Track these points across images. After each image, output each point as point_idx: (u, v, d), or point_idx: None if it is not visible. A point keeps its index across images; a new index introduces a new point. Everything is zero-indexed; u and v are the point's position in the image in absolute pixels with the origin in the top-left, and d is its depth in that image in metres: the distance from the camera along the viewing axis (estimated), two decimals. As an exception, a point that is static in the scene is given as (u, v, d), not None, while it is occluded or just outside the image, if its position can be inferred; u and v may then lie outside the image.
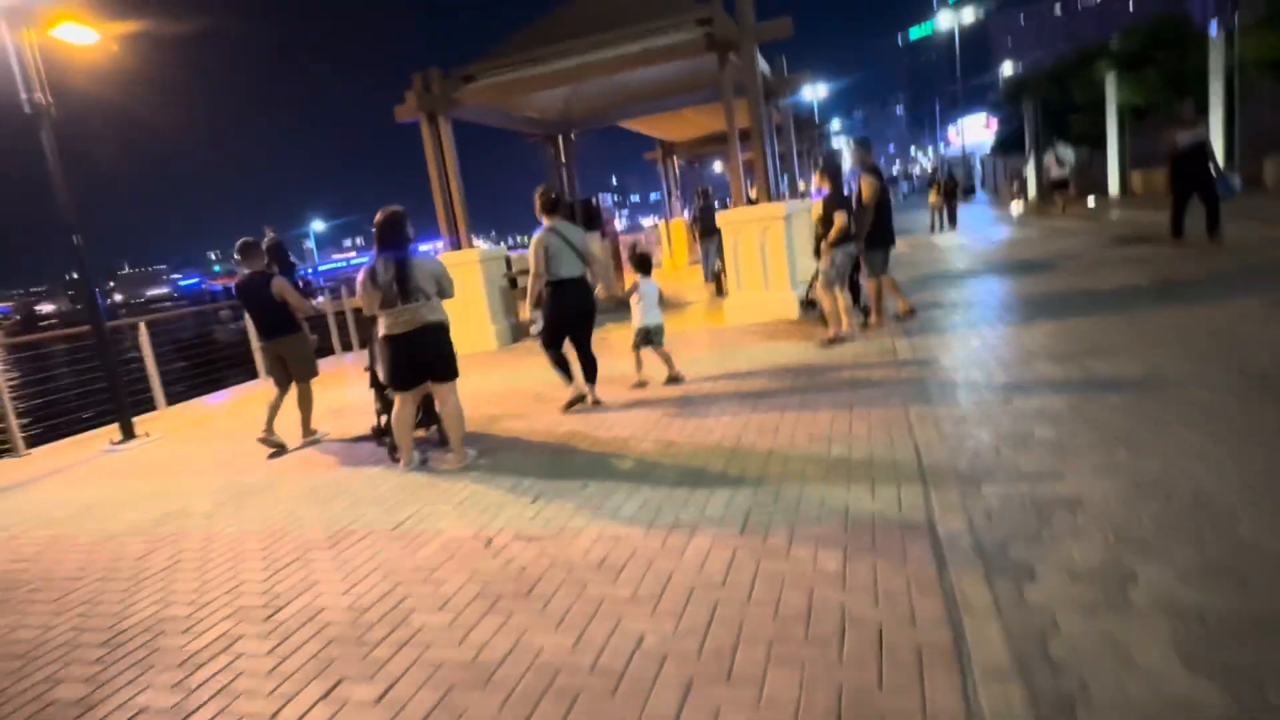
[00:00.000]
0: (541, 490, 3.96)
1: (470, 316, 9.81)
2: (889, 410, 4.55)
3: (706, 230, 14.24)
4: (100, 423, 8.19)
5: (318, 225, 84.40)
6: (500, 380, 7.46)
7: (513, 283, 9.92)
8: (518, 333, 10.06)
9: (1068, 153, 17.78)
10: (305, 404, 5.84)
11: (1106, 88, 19.83)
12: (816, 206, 6.68)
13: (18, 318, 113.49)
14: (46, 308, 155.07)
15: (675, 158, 21.34)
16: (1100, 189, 22.23)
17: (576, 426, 5.26)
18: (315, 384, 5.99)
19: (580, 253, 5.36)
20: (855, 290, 7.68)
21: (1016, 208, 20.15)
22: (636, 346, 6.13)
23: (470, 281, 9.70)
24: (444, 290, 4.55)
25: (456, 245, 9.93)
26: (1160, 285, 7.29)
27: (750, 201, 12.87)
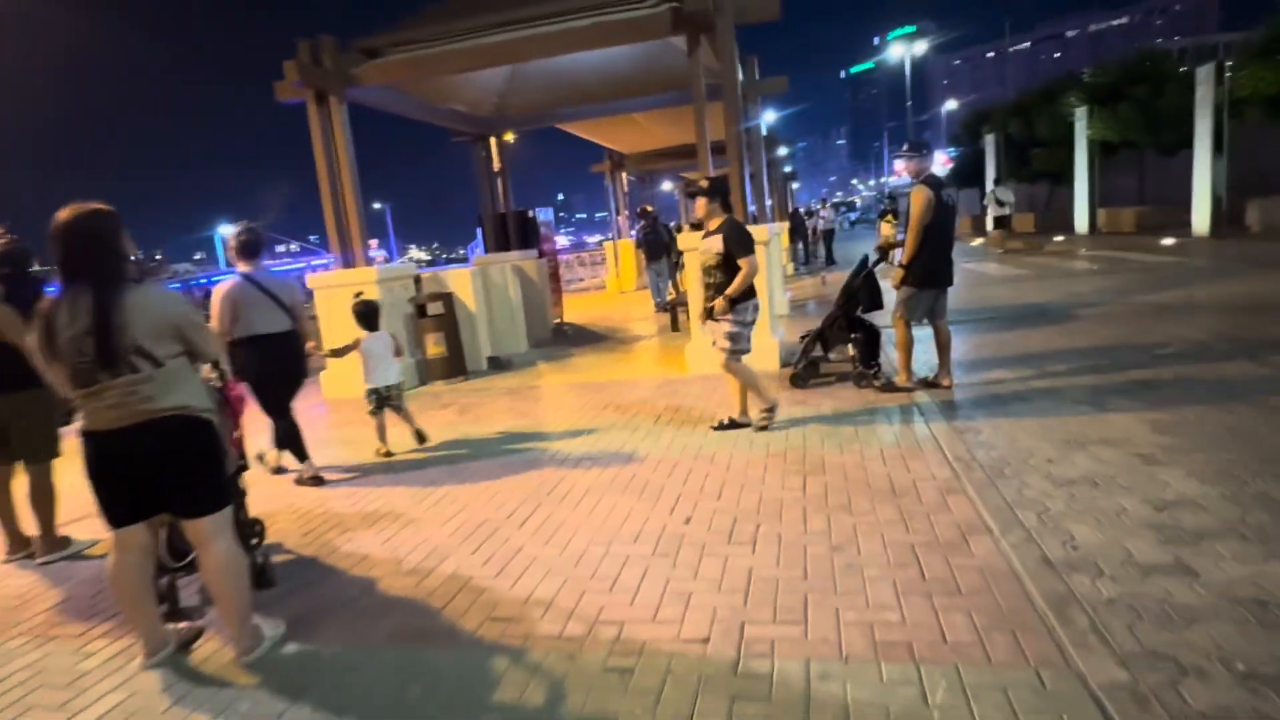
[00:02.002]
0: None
1: (364, 351, 7.71)
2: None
3: (653, 253, 12.48)
4: None
5: (225, 230, 77.43)
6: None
7: (421, 310, 7.91)
8: (425, 373, 8.03)
9: (1007, 193, 17.67)
10: (41, 498, 3.73)
11: (1076, 122, 19.09)
12: (715, 242, 4.64)
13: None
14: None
15: (625, 172, 19.62)
16: (1064, 227, 21.55)
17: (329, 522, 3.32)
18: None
19: (285, 305, 4.43)
20: (872, 341, 5.73)
21: (977, 241, 19.23)
22: (372, 412, 5.24)
23: (365, 306, 7.63)
24: (196, 349, 2.54)
25: (349, 261, 7.86)
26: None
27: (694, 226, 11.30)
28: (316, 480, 4.65)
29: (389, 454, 5.21)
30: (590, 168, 19.08)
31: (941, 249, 5.27)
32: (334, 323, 7.75)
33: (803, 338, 6.14)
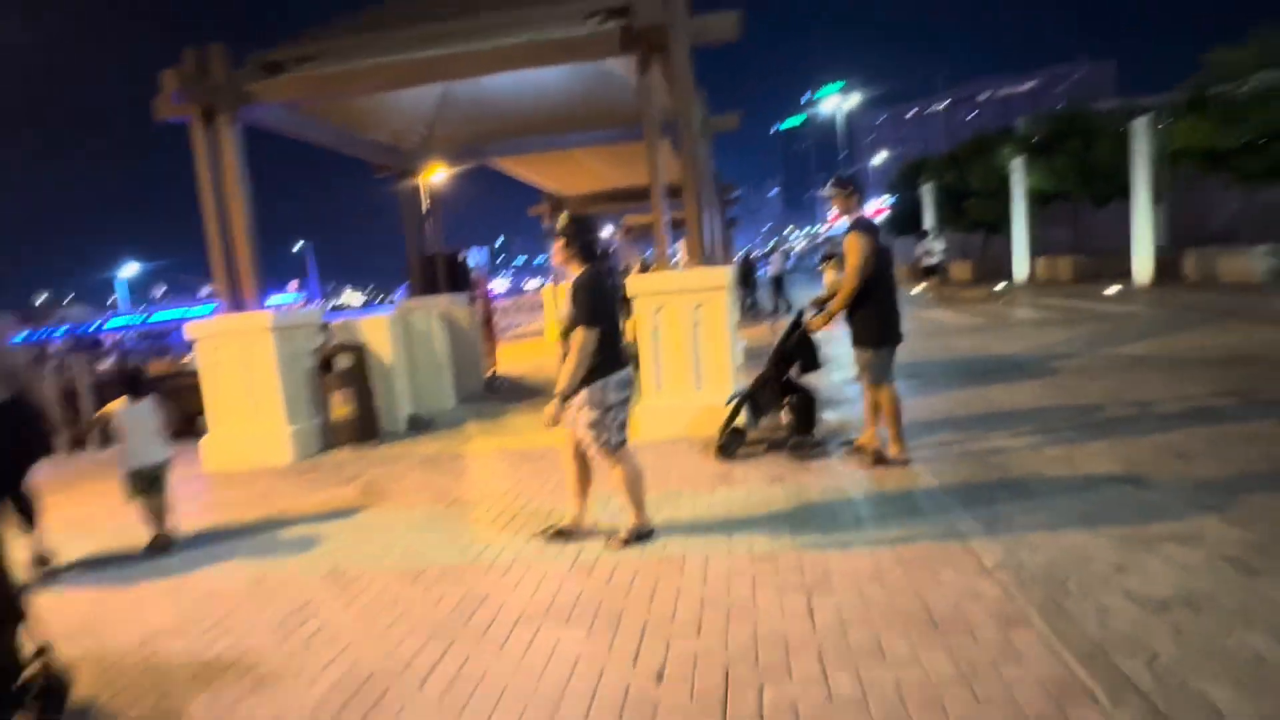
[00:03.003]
0: None
1: (255, 414, 6.50)
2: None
3: (605, 298, 11.59)
4: None
5: (130, 269, 71.00)
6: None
7: (326, 364, 6.74)
8: (330, 437, 6.82)
9: (938, 244, 18.39)
10: None
11: (1013, 173, 19.37)
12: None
13: None
14: None
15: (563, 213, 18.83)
16: (1000, 275, 21.78)
17: None
18: None
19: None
20: (808, 407, 5.10)
21: (919, 288, 19.16)
22: (131, 497, 4.37)
23: (257, 361, 6.45)
24: None
25: (238, 305, 6.66)
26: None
27: (644, 269, 10.46)
28: (48, 570, 4.06)
29: (165, 544, 4.30)
30: (528, 210, 18.23)
31: (891, 301, 4.59)
32: (220, 377, 6.52)
33: (729, 400, 5.32)
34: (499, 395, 9.25)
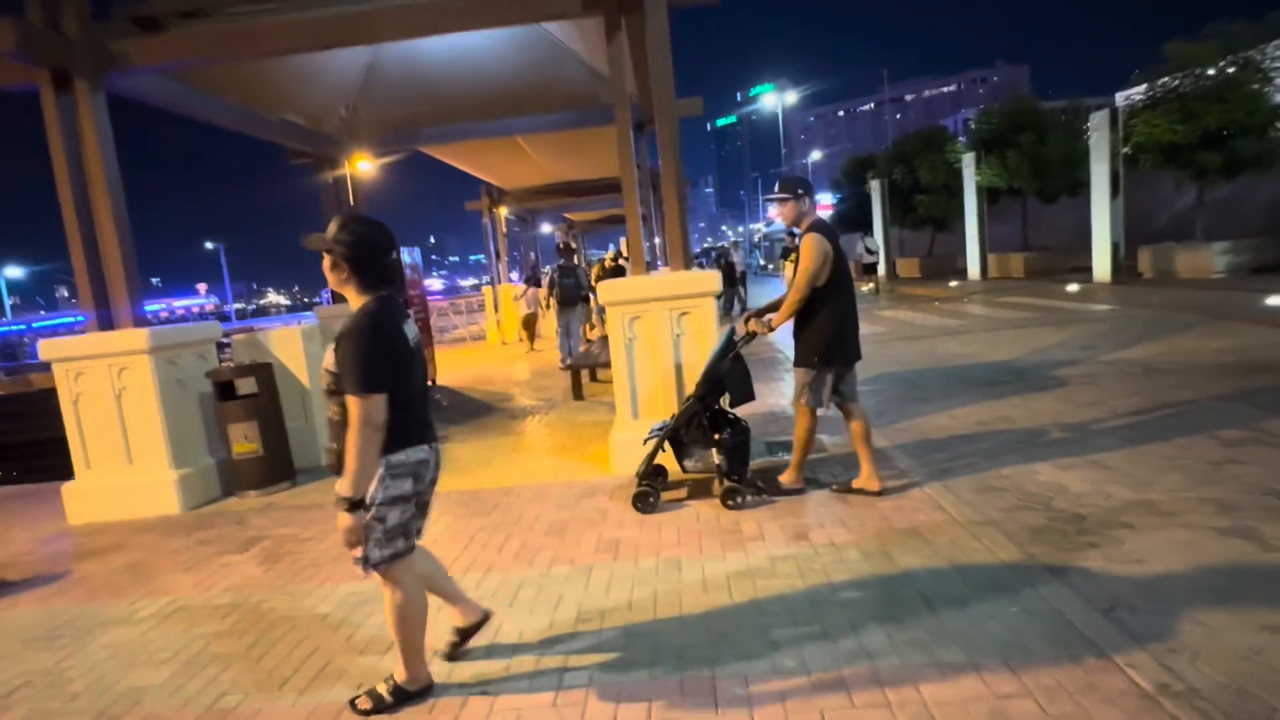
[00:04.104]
0: None
1: (133, 454, 5.21)
2: None
3: (566, 299, 10.52)
4: None
5: (12, 272, 64.48)
6: None
7: (225, 390, 5.48)
8: (232, 479, 5.57)
9: (875, 241, 18.80)
10: None
11: (965, 168, 19.13)
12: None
13: None
14: None
15: (504, 210, 17.60)
16: (947, 272, 21.62)
17: None
18: None
19: None
20: (742, 445, 4.20)
21: (867, 285, 18.77)
22: None
23: (133, 390, 5.16)
24: None
25: (107, 321, 5.33)
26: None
27: (613, 268, 9.60)
28: None
29: None
30: (465, 205, 16.94)
31: (848, 312, 3.99)
32: (86, 410, 5.21)
33: (648, 437, 4.41)
34: (441, 414, 8.09)
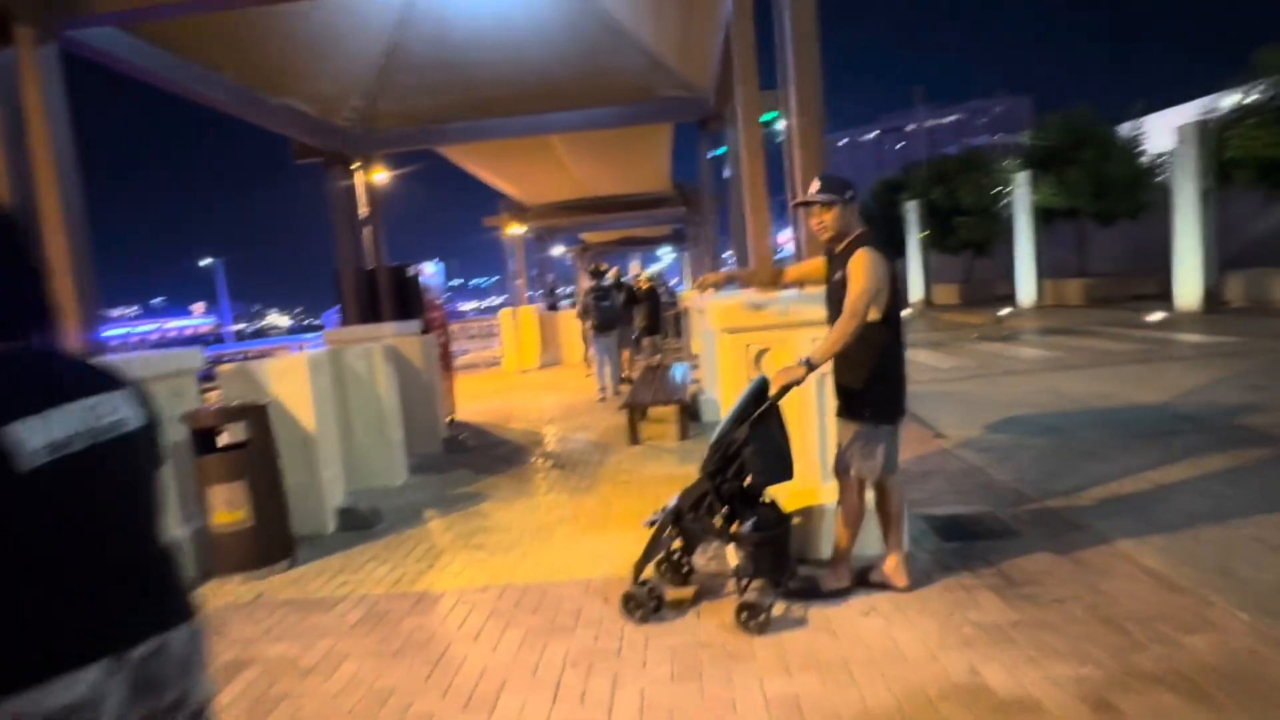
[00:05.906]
0: None
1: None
2: None
3: (606, 323, 9.21)
4: None
5: None
6: None
7: (204, 440, 4.15)
8: (211, 558, 4.20)
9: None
10: None
11: (1017, 188, 17.93)
12: None
13: None
14: None
15: (524, 226, 16.42)
16: (989, 299, 20.40)
17: None
18: None
19: None
20: (781, 538, 3.04)
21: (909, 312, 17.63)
22: None
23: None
24: None
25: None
26: None
27: (617, 285, 8.43)
28: None
29: None
30: (484, 220, 15.77)
31: (901, 355, 3.10)
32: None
33: (651, 521, 3.18)
34: (465, 459, 6.76)
